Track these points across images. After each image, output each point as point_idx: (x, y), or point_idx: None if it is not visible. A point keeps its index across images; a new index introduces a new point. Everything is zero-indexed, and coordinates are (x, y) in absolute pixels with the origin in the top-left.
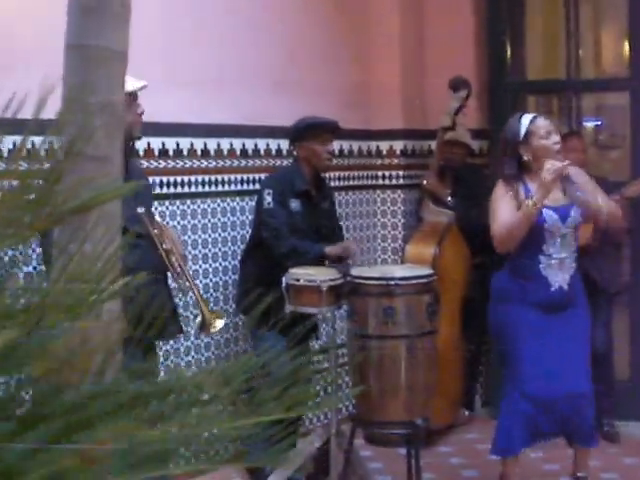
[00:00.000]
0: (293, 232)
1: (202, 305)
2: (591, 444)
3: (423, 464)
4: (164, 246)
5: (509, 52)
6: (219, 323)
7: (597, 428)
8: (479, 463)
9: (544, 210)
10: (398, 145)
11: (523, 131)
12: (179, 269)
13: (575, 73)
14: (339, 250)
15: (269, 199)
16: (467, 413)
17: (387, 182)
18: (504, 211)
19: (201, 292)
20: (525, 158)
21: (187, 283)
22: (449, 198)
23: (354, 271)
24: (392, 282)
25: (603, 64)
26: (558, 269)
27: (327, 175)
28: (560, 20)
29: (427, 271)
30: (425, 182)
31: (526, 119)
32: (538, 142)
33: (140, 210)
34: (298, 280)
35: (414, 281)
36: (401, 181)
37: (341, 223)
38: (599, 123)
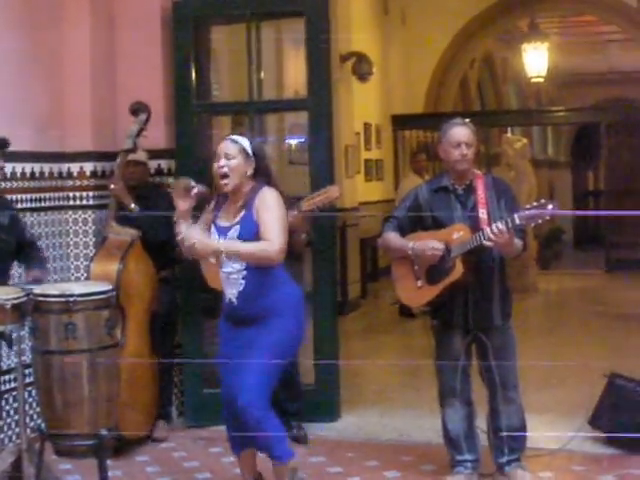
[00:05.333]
0: None
1: None
2: (279, 458)
3: (120, 474)
4: None
5: (194, 75)
6: None
7: (279, 442)
8: (175, 471)
9: (213, 227)
10: (88, 167)
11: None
12: None
13: (257, 95)
14: None
15: None
16: (165, 425)
17: (78, 202)
18: None
19: None
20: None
21: None
22: (133, 205)
23: (36, 289)
24: (71, 299)
25: (284, 85)
26: (227, 283)
27: (19, 197)
28: (244, 44)
29: (106, 287)
30: (112, 186)
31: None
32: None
33: None
34: None
35: (93, 297)
36: (91, 201)
37: None
38: (302, 141)
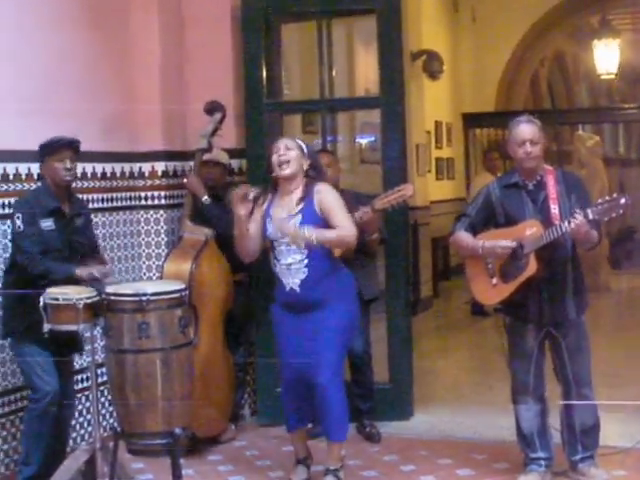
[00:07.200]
0: (48, 251)
1: None
2: (334, 437)
3: (193, 473)
4: None
5: (265, 74)
6: None
7: (344, 424)
8: (248, 469)
9: (267, 221)
10: (159, 166)
11: None
12: None
13: (329, 93)
14: (87, 273)
15: (19, 223)
16: (234, 427)
17: (150, 202)
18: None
19: None
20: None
21: None
22: (205, 197)
23: (109, 288)
24: (144, 298)
25: (356, 84)
26: (287, 273)
27: (92, 197)
28: (314, 42)
29: (179, 286)
30: (185, 180)
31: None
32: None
33: None
34: (56, 299)
35: (166, 296)
36: (163, 201)
37: (105, 243)
38: (373, 140)
